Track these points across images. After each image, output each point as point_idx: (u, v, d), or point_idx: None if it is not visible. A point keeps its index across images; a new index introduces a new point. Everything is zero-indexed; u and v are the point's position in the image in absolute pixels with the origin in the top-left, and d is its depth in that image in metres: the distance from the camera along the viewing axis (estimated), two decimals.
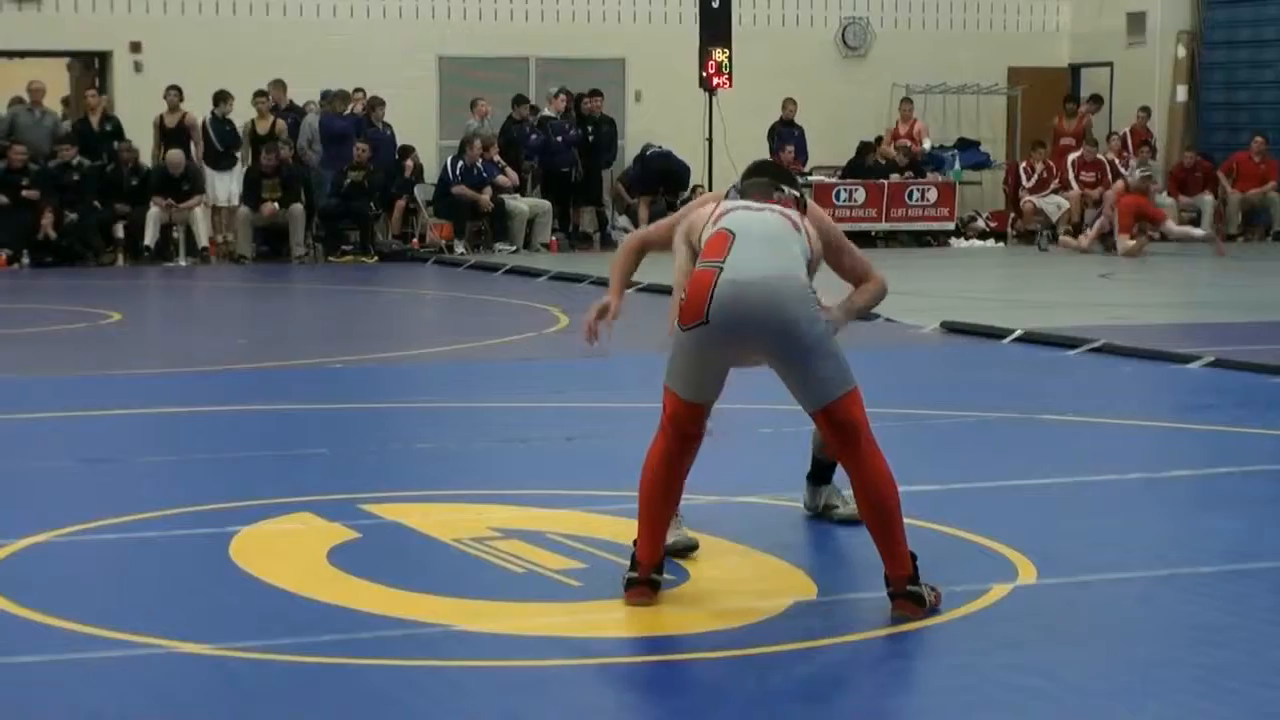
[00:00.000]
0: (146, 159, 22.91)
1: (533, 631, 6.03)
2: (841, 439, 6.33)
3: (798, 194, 6.75)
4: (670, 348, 6.48)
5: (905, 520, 6.38)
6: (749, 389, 9.39)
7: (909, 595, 6.24)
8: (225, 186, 23.20)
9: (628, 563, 6.51)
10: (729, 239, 6.38)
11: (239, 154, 23.38)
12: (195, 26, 24.50)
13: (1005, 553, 7.08)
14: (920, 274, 20.23)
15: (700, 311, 6.28)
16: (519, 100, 24.82)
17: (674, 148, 24.90)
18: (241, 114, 23.43)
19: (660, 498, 6.49)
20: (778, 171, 6.88)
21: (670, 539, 6.81)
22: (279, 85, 23.75)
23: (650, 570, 6.42)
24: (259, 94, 23.36)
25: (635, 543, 6.48)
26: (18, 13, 24.01)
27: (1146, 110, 26.90)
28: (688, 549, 7.06)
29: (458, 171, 23.40)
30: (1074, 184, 25.77)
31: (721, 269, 6.29)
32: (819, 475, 7.88)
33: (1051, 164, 25.97)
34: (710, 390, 6.46)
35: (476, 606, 6.34)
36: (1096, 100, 27.46)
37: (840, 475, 7.93)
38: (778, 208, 6.56)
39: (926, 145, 26.63)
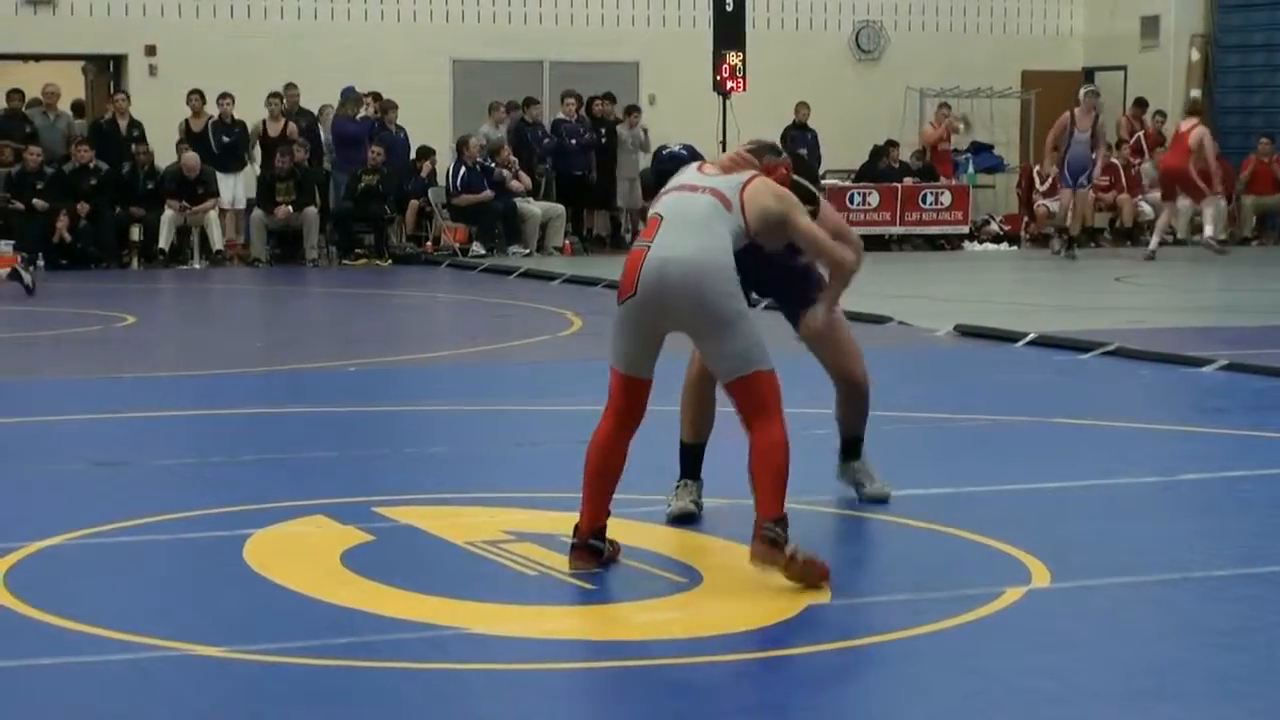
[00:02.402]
0: (162, 162, 22.94)
1: (546, 634, 6.03)
2: (745, 412, 6.75)
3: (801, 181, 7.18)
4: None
5: (918, 523, 6.58)
6: None
7: (765, 535, 6.57)
8: (230, 189, 23.21)
9: (641, 564, 6.51)
10: (659, 222, 6.86)
11: (245, 156, 23.41)
12: (210, 30, 24.54)
13: (1018, 556, 7.07)
14: (934, 277, 20.22)
15: (630, 286, 6.78)
16: (528, 102, 24.81)
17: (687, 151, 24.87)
18: (253, 117, 23.46)
19: (597, 472, 6.92)
20: (774, 149, 7.24)
21: (674, 507, 7.61)
22: (292, 89, 23.77)
23: (588, 535, 6.84)
24: (273, 95, 23.39)
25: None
26: (33, 16, 24.07)
27: (1162, 114, 26.87)
28: (685, 515, 7.64)
29: (458, 181, 23.41)
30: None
31: (649, 248, 6.78)
32: (848, 451, 8.18)
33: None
34: (642, 364, 6.85)
35: (489, 609, 6.34)
36: (1141, 103, 27.34)
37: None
38: (712, 186, 6.90)
39: (956, 142, 26.77)
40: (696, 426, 7.82)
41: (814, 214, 7.20)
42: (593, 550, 6.84)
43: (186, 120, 23.15)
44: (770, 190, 6.96)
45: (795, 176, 7.18)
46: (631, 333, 6.83)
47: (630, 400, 6.88)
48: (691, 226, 6.78)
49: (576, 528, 6.89)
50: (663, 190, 7.13)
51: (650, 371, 6.89)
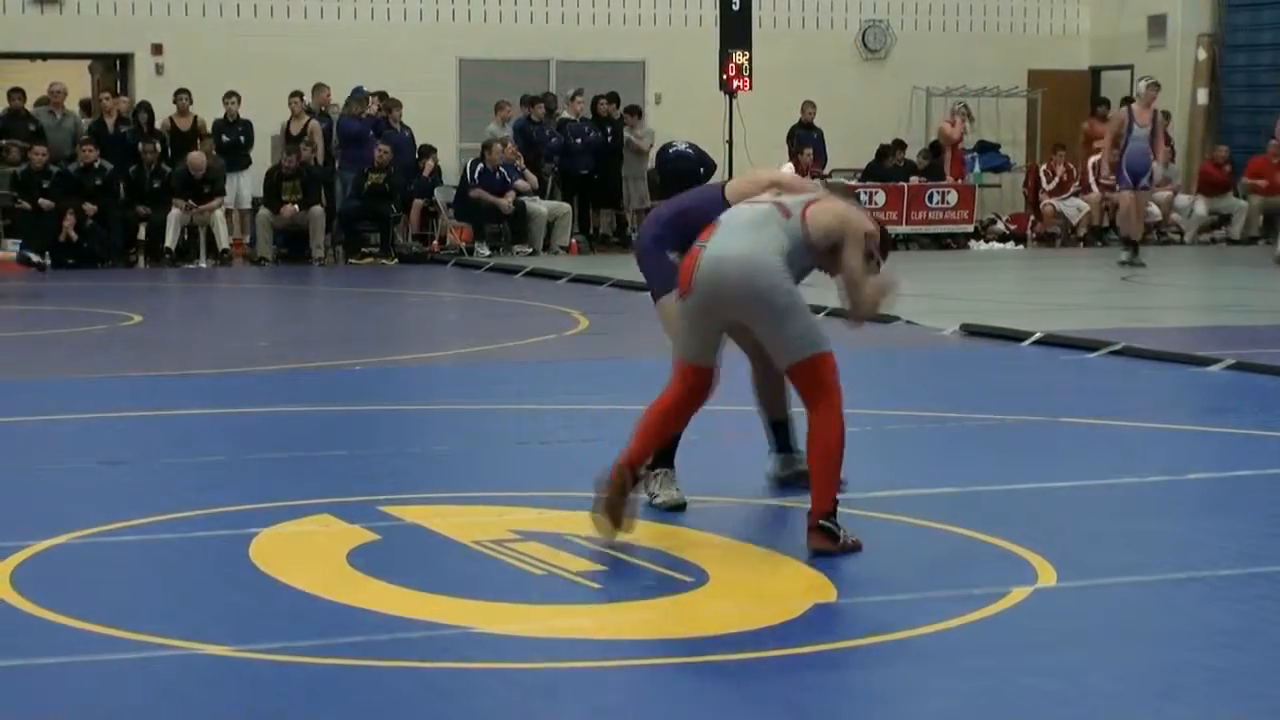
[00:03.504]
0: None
1: (553, 634, 6.03)
2: (806, 395, 7.22)
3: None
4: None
5: (924, 522, 6.77)
6: None
7: (822, 528, 7.09)
8: (234, 188, 23.23)
9: (648, 563, 6.50)
10: (715, 227, 7.39)
11: (251, 154, 23.47)
12: (216, 29, 24.57)
13: (1024, 555, 7.07)
14: (940, 277, 20.21)
15: (688, 284, 7.31)
16: (532, 100, 24.79)
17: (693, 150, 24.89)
18: (259, 116, 23.48)
19: (657, 427, 7.45)
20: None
21: (662, 498, 7.92)
22: (322, 89, 23.82)
23: (629, 467, 7.27)
24: (294, 94, 23.39)
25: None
26: (39, 15, 24.09)
27: (1166, 114, 26.86)
28: (678, 506, 7.91)
29: (477, 175, 23.42)
30: (1094, 187, 25.75)
31: (705, 247, 7.31)
32: (781, 444, 8.36)
33: (1072, 166, 25.95)
34: (705, 354, 7.40)
35: (496, 608, 6.35)
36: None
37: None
38: (776, 201, 7.43)
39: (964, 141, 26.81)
40: (778, 403, 8.25)
41: (877, 262, 7.54)
42: (620, 503, 7.23)
43: (171, 118, 23.20)
44: (835, 213, 7.39)
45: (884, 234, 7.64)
46: (693, 326, 7.37)
47: (696, 385, 7.43)
48: (744, 228, 7.29)
49: (619, 467, 7.24)
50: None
51: (713, 360, 7.44)
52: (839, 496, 7.21)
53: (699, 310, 7.32)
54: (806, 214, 7.34)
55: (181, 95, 23.16)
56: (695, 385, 7.44)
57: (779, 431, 8.36)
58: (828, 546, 7.08)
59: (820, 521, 7.12)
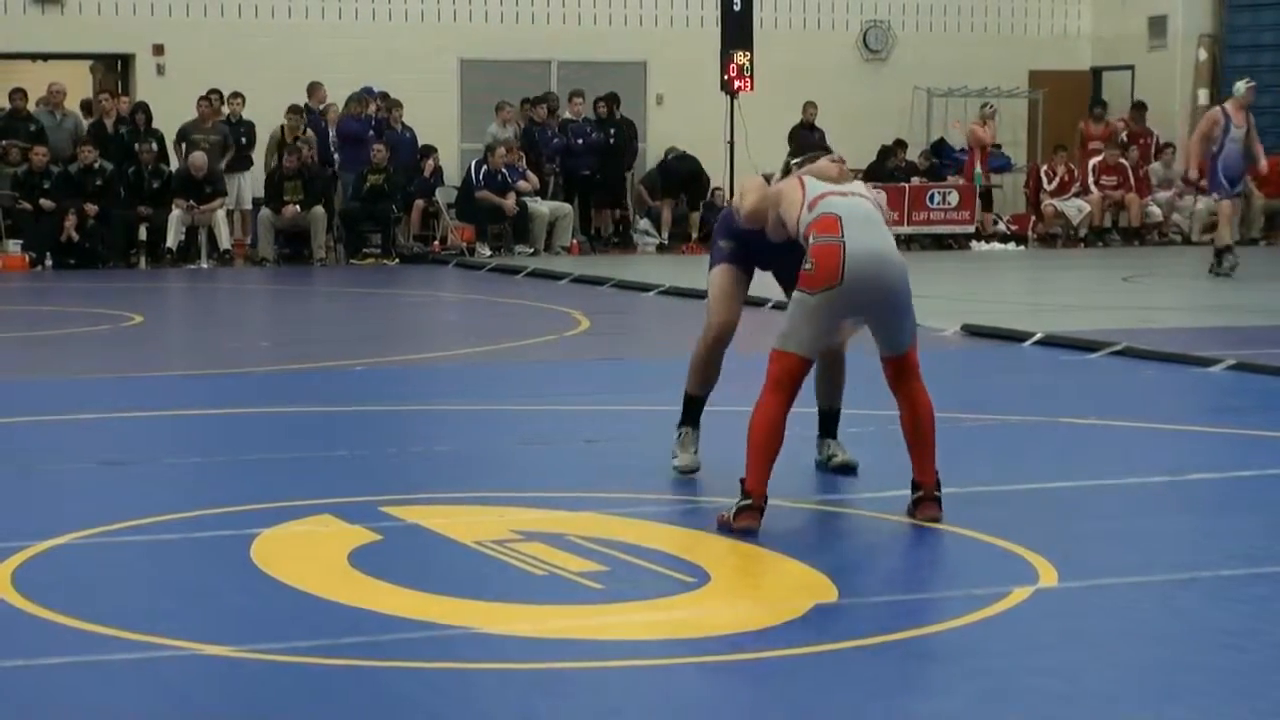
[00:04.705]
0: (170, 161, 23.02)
1: (553, 634, 6.02)
2: (907, 376, 7.74)
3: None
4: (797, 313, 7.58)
5: (925, 523, 6.89)
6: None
7: (935, 499, 7.64)
8: (235, 188, 23.24)
9: (650, 564, 6.49)
10: (838, 220, 7.58)
11: (252, 155, 23.48)
12: (217, 29, 24.57)
13: (1026, 556, 7.06)
14: (941, 277, 20.21)
15: (835, 277, 7.48)
16: (536, 100, 24.81)
17: (695, 151, 24.92)
18: (261, 117, 23.50)
19: (775, 440, 7.52)
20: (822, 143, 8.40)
21: (680, 460, 8.42)
22: (318, 87, 23.84)
23: (760, 498, 7.42)
24: (292, 110, 23.35)
25: (743, 480, 7.44)
26: (40, 15, 24.09)
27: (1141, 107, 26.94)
28: (692, 470, 8.47)
29: (481, 177, 23.42)
30: (1094, 187, 25.75)
31: (844, 243, 7.51)
32: (825, 429, 8.78)
33: (1073, 167, 25.95)
34: (820, 348, 7.76)
35: (497, 609, 6.34)
36: (1140, 107, 27.29)
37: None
38: (859, 189, 7.85)
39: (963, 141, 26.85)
40: (706, 382, 8.65)
41: None
42: (762, 511, 7.43)
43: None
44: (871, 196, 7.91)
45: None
46: (826, 319, 7.59)
47: (801, 379, 7.63)
48: (875, 224, 7.68)
49: (745, 489, 7.43)
50: (816, 195, 7.75)
51: (817, 353, 7.75)
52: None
53: (843, 302, 7.55)
54: (877, 196, 7.95)
55: (234, 99, 23.29)
56: (800, 378, 7.62)
57: (829, 419, 8.77)
58: (939, 515, 7.63)
59: (936, 493, 7.69)
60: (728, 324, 8.56)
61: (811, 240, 7.59)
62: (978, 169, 26.26)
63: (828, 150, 8.21)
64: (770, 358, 7.59)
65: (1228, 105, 20.12)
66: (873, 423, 9.54)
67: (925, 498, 7.68)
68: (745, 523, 7.39)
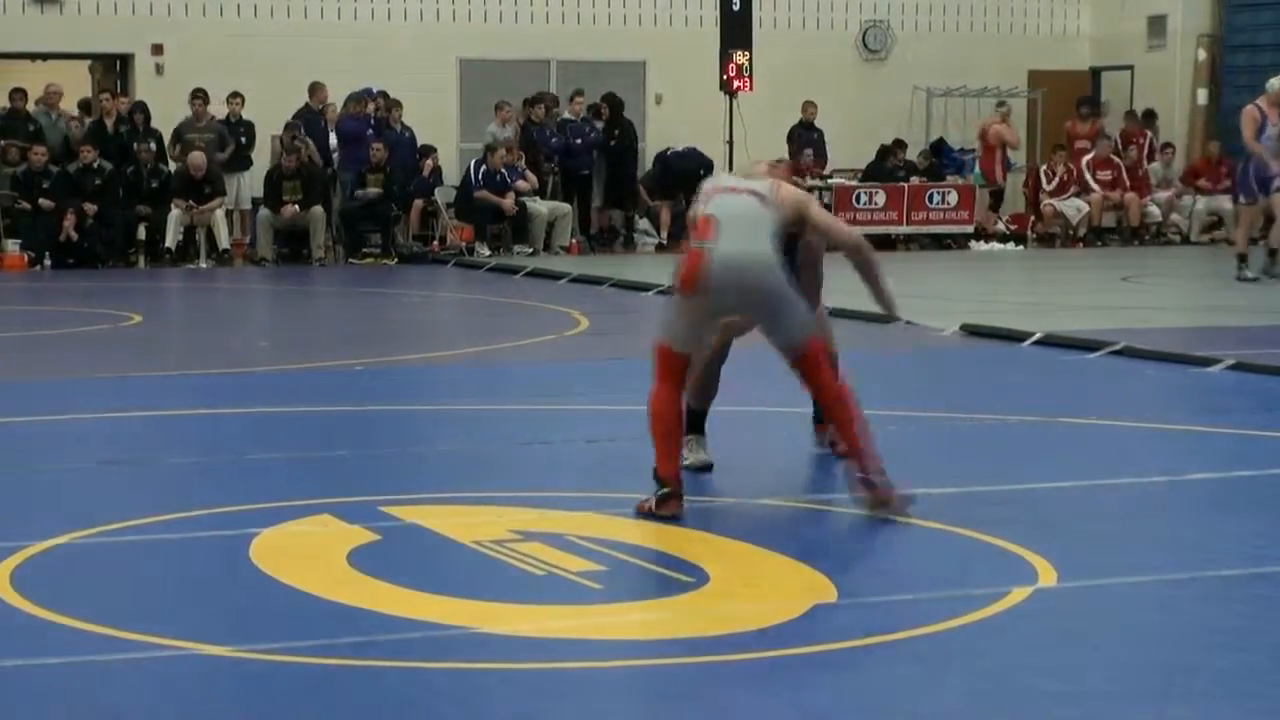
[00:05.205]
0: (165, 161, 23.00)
1: (552, 634, 6.03)
2: (811, 369, 7.86)
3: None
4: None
5: (924, 523, 6.91)
6: (766, 393, 9.39)
7: (867, 482, 7.72)
8: (234, 188, 23.23)
9: (648, 564, 6.50)
10: (712, 222, 7.82)
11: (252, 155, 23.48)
12: (216, 29, 24.55)
13: (1025, 555, 7.07)
14: (940, 277, 20.21)
15: (697, 283, 7.76)
16: (535, 100, 24.79)
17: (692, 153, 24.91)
18: (260, 117, 23.49)
19: (676, 427, 7.91)
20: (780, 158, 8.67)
21: (691, 459, 8.57)
22: (320, 88, 23.84)
23: (677, 484, 7.72)
24: (288, 127, 23.32)
25: (655, 469, 7.74)
26: (39, 15, 24.08)
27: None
28: (706, 466, 8.72)
29: (480, 176, 23.42)
30: (1092, 184, 25.75)
31: (709, 250, 7.75)
32: (819, 417, 8.99)
33: (1072, 167, 25.95)
34: (697, 343, 8.00)
35: (496, 609, 6.35)
36: (1133, 114, 27.29)
37: None
38: (749, 186, 7.96)
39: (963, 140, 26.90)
40: (706, 396, 8.86)
41: None
42: (680, 497, 7.75)
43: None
44: (792, 190, 8.06)
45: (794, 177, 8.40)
46: (694, 321, 7.87)
47: (682, 369, 7.93)
48: (747, 225, 7.79)
49: (664, 479, 7.72)
50: (703, 192, 8.05)
51: (698, 348, 8.02)
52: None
53: (705, 307, 7.81)
54: (780, 199, 7.93)
55: (234, 99, 23.31)
56: (683, 371, 7.93)
57: (696, 418, 8.85)
58: (867, 497, 7.78)
59: (870, 476, 7.78)
60: (723, 342, 8.75)
61: (691, 242, 7.93)
62: (996, 168, 26.29)
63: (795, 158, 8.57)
64: (653, 348, 7.96)
65: (1261, 102, 19.79)
66: (870, 422, 9.52)
67: (861, 480, 7.83)
68: (670, 510, 7.66)
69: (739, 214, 7.84)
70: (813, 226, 8.14)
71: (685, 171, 25.18)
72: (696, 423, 8.81)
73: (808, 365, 7.89)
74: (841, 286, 9.44)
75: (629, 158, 25.10)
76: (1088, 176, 25.77)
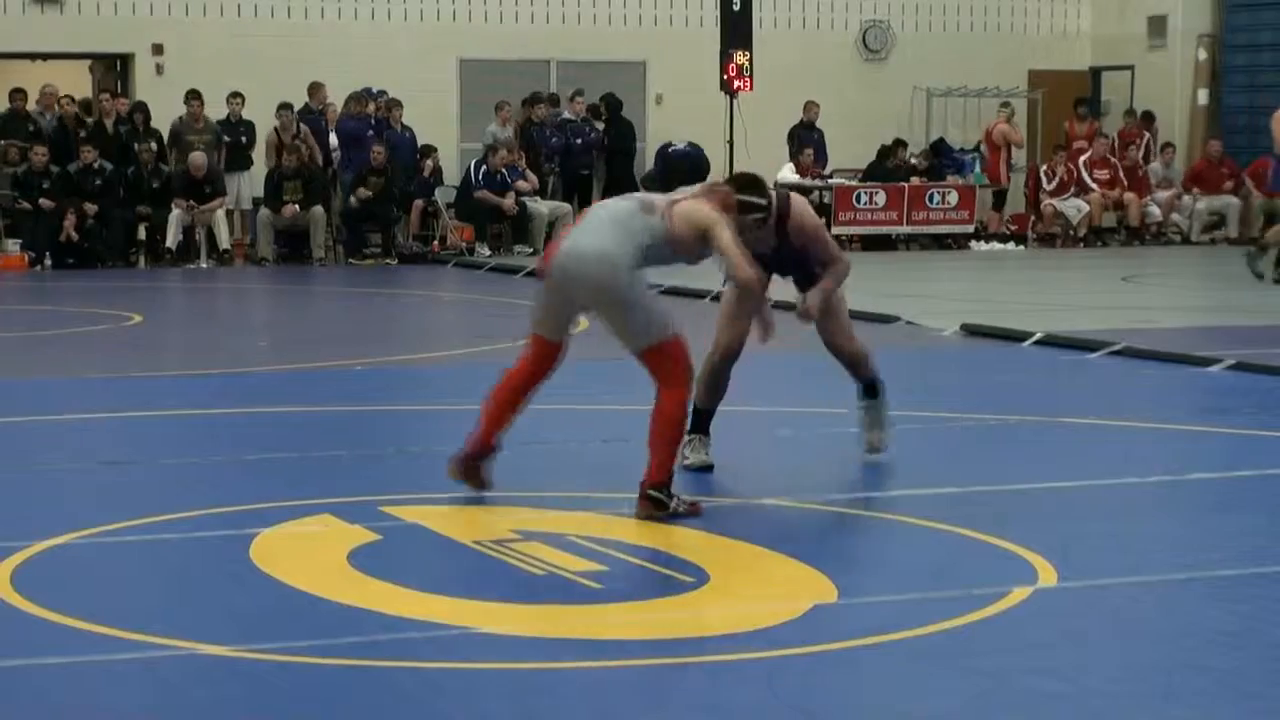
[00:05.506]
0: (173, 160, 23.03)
1: (553, 634, 6.03)
2: (657, 375, 7.83)
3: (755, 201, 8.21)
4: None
5: (924, 522, 6.88)
6: (766, 393, 9.39)
7: (651, 497, 7.67)
8: (235, 188, 23.23)
9: (649, 564, 6.50)
10: (583, 218, 8.08)
11: (252, 155, 23.48)
12: (217, 29, 24.56)
13: (1025, 555, 7.07)
14: (940, 277, 20.21)
15: (544, 271, 8.01)
16: (535, 100, 24.77)
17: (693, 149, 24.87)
18: (260, 116, 23.49)
19: (506, 403, 8.17)
20: (742, 185, 8.31)
21: (692, 459, 8.67)
22: (319, 88, 23.84)
23: (475, 455, 8.11)
24: (283, 106, 23.33)
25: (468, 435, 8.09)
26: (40, 15, 24.08)
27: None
28: (706, 467, 8.75)
29: (480, 177, 23.41)
30: (1089, 183, 25.75)
31: (562, 241, 7.98)
32: (867, 389, 9.03)
33: (1071, 167, 25.96)
34: (549, 329, 8.13)
35: (497, 608, 6.35)
36: (1132, 112, 27.28)
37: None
38: (646, 197, 8.03)
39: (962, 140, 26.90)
40: (713, 397, 8.90)
41: (763, 220, 8.31)
42: (473, 469, 8.11)
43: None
44: (694, 210, 7.87)
45: (741, 196, 8.18)
46: (544, 305, 8.08)
47: (539, 354, 8.15)
48: (602, 224, 7.87)
49: (466, 443, 8.10)
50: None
51: (557, 336, 8.14)
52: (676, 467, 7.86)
53: (553, 295, 7.98)
54: (671, 211, 7.84)
55: (234, 98, 23.34)
56: (540, 354, 8.13)
57: (702, 418, 8.89)
58: (654, 513, 7.66)
59: (650, 490, 7.69)
60: (732, 343, 8.82)
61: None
62: (1001, 167, 26.31)
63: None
64: None
65: None
66: None
67: (640, 495, 7.74)
68: (451, 470, 8.14)
69: (607, 214, 7.95)
70: (714, 248, 7.91)
71: (686, 169, 25.21)
72: (701, 422, 8.82)
73: (651, 371, 7.85)
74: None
75: (627, 158, 25.09)
76: (1084, 176, 25.77)
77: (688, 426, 8.41)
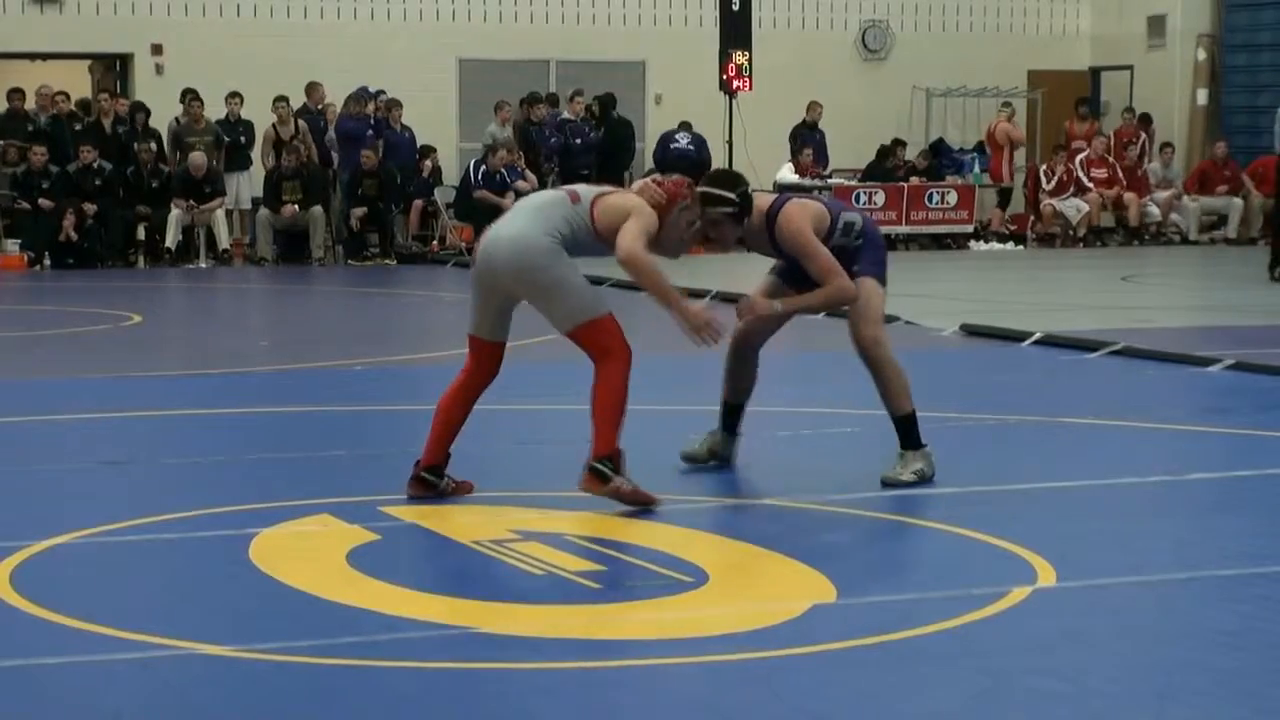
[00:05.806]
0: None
1: (552, 633, 6.03)
2: (592, 354, 7.89)
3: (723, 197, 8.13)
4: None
5: (923, 522, 6.94)
6: (766, 393, 9.39)
7: (593, 469, 7.74)
8: (234, 188, 23.24)
9: (648, 564, 6.50)
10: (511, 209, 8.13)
11: (252, 154, 23.49)
12: (216, 29, 24.58)
13: (1025, 555, 7.06)
14: (940, 277, 20.21)
15: (474, 258, 8.04)
16: (533, 99, 24.77)
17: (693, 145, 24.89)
18: (259, 116, 23.49)
19: (445, 410, 8.13)
20: (713, 177, 8.36)
21: (684, 448, 8.70)
22: (316, 87, 23.86)
23: (424, 469, 8.04)
24: (279, 99, 23.37)
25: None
26: (39, 15, 24.09)
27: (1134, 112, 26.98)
28: (697, 458, 8.71)
29: (479, 177, 23.41)
30: (1086, 182, 25.76)
31: (491, 229, 8.00)
32: (901, 438, 8.58)
33: (1072, 167, 25.97)
34: (481, 327, 8.11)
35: (496, 608, 6.35)
36: (1131, 111, 27.32)
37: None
38: (576, 190, 8.00)
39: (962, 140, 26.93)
40: (735, 388, 8.81)
41: (739, 217, 8.18)
42: (428, 484, 8.05)
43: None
44: (625, 202, 7.87)
45: (706, 187, 8.16)
46: (474, 302, 8.06)
47: (478, 357, 8.14)
48: (522, 213, 7.93)
49: (418, 462, 8.06)
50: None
51: (490, 335, 8.12)
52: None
53: (478, 285, 7.96)
54: (595, 203, 7.85)
55: (233, 98, 23.34)
56: (478, 357, 8.11)
57: (728, 411, 8.85)
58: (593, 488, 7.72)
59: (594, 464, 7.75)
60: (742, 332, 8.72)
61: None
62: (1004, 166, 26.33)
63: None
64: None
65: None
66: (869, 422, 9.53)
67: (587, 466, 7.80)
68: (411, 490, 8.05)
69: (529, 204, 8.04)
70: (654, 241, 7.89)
71: (686, 168, 25.18)
72: (726, 419, 8.80)
73: (586, 350, 7.92)
74: None
75: (620, 157, 25.08)
76: (1081, 175, 25.78)
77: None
